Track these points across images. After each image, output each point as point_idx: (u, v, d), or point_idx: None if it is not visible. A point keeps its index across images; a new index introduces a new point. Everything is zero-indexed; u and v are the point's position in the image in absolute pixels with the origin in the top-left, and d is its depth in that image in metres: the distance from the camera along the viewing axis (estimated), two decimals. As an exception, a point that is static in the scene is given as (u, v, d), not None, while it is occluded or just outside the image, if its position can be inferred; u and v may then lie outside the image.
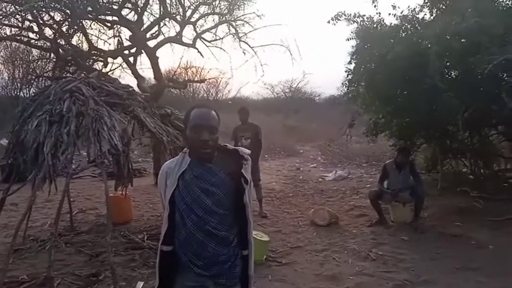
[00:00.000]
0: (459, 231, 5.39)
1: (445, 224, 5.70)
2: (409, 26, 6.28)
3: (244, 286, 1.89)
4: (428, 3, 6.28)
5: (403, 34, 6.22)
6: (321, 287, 3.90)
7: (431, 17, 6.36)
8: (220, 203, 1.77)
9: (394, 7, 6.31)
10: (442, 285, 3.85)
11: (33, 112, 4.01)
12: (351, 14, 6.57)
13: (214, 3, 9.25)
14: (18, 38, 8.47)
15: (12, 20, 7.85)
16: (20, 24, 7.99)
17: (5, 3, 7.48)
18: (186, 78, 13.90)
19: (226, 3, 9.28)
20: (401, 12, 6.36)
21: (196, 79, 14.76)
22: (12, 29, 8.11)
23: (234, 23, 9.54)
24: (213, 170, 1.80)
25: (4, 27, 7.96)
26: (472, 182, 7.39)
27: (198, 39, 9.18)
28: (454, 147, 7.75)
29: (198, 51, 9.16)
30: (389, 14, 6.42)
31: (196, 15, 9.15)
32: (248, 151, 1.90)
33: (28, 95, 16.47)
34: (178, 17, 8.85)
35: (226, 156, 1.86)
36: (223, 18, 9.44)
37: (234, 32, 9.60)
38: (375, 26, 6.51)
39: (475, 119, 6.15)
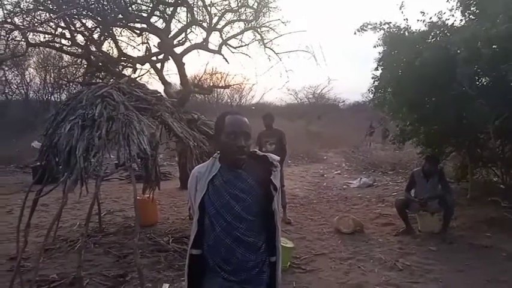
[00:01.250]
0: (489, 242, 5.23)
1: (475, 235, 5.55)
2: (437, 32, 6.18)
3: None
4: (461, 7, 6.16)
5: (432, 40, 6.13)
6: (346, 296, 3.86)
7: (461, 23, 6.25)
8: (249, 209, 1.78)
9: (423, 13, 6.23)
10: (471, 297, 3.75)
11: (66, 116, 4.14)
12: (376, 23, 6.54)
13: (240, 10, 9.35)
14: (51, 44, 8.77)
15: (46, 27, 8.15)
16: (53, 31, 8.27)
17: (40, 11, 7.77)
18: (211, 84, 14.03)
19: (251, 10, 9.36)
20: (430, 18, 6.26)
21: (221, 85, 14.88)
22: (46, 35, 8.41)
23: (259, 30, 9.61)
24: (243, 176, 1.81)
25: (38, 33, 8.27)
26: (503, 191, 7.15)
27: (224, 45, 9.29)
28: (485, 156, 7.53)
29: (224, 58, 9.26)
30: (418, 20, 6.34)
31: (222, 22, 9.28)
32: (278, 157, 1.91)
33: (59, 100, 17.06)
34: (204, 24, 8.99)
35: (256, 162, 1.88)
36: (249, 25, 9.52)
37: (259, 38, 9.68)
38: (402, 32, 6.44)
39: (506, 127, 5.98)
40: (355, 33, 6.66)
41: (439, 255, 4.93)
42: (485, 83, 6.05)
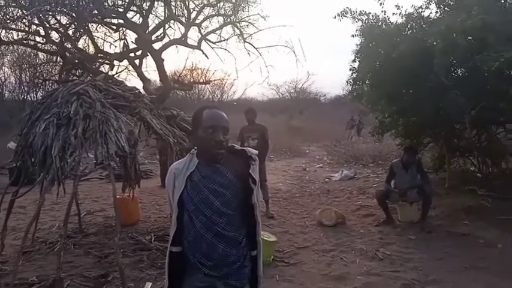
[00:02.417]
0: (467, 230, 5.35)
1: (453, 223, 5.67)
2: (414, 24, 6.24)
3: (254, 286, 1.90)
4: (435, 0, 6.24)
5: (408, 32, 6.19)
6: (329, 287, 3.89)
7: (437, 15, 6.32)
8: (229, 204, 1.78)
9: (398, 7, 6.28)
10: (450, 284, 3.82)
11: (41, 115, 4.05)
12: (356, 12, 6.55)
13: (218, 4, 9.26)
14: (25, 41, 8.55)
15: (19, 24, 7.93)
16: (26, 28, 8.05)
17: (12, 8, 7.54)
18: (192, 80, 13.92)
19: (230, 4, 9.29)
20: (406, 11, 6.33)
21: (201, 81, 14.77)
22: (19, 33, 8.18)
23: (238, 24, 9.55)
24: (221, 170, 1.80)
25: (11, 31, 8.04)
26: (479, 180, 7.33)
27: (203, 40, 9.20)
28: (462, 146, 7.70)
29: (203, 53, 9.19)
30: (393, 13, 6.40)
31: (201, 17, 9.18)
32: (256, 151, 1.90)
33: (35, 99, 16.65)
34: (183, 19, 8.87)
35: (234, 156, 1.87)
36: (228, 20, 9.45)
37: (239, 33, 9.62)
38: (380, 24, 6.48)
39: (482, 117, 6.10)
40: (334, 18, 6.63)
41: (419, 244, 5.03)
42: (460, 74, 6.16)
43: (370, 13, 6.54)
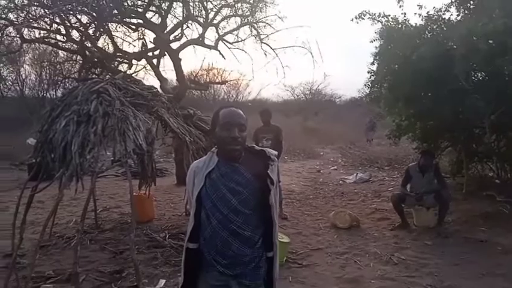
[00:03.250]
0: (485, 236, 5.26)
1: (470, 229, 5.58)
2: (434, 27, 6.17)
3: None
4: (456, 2, 6.15)
5: (428, 35, 6.12)
6: (342, 290, 3.87)
7: (458, 18, 6.24)
8: (246, 203, 1.79)
9: (420, 6, 6.20)
10: (466, 291, 3.77)
11: (61, 112, 4.11)
12: (375, 14, 6.50)
13: (236, 5, 9.29)
14: (46, 40, 8.71)
15: (41, 22, 8.10)
16: (48, 27, 8.21)
17: (35, 7, 7.71)
18: (208, 80, 13.99)
19: (248, 5, 9.31)
20: (427, 13, 6.25)
21: (217, 81, 14.85)
22: (41, 31, 8.35)
23: (255, 25, 9.54)
24: (240, 169, 1.82)
25: (33, 29, 8.22)
26: (498, 186, 7.20)
27: (220, 41, 9.24)
28: (480, 151, 7.56)
29: (220, 53, 9.21)
30: (415, 13, 6.32)
31: (218, 18, 9.20)
32: (275, 152, 1.92)
33: (54, 96, 16.97)
34: (201, 19, 8.92)
35: (253, 156, 1.88)
36: (245, 20, 9.46)
37: (256, 33, 9.62)
38: (399, 26, 6.42)
39: (502, 122, 6.00)
40: (352, 20, 6.60)
41: (435, 249, 4.96)
42: (481, 78, 6.07)
43: (389, 15, 6.49)
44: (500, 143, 7.37)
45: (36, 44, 10.16)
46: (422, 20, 6.31)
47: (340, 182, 10.27)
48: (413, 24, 6.38)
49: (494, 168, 7.74)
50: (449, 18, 6.24)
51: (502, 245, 4.91)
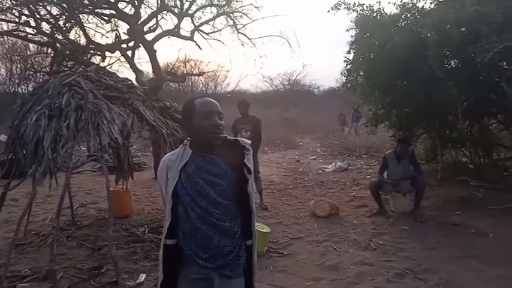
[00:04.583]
0: (459, 220, 5.41)
1: (445, 214, 5.73)
2: (408, 15, 6.24)
3: (249, 276, 1.90)
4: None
5: (403, 23, 6.19)
6: (322, 277, 3.91)
7: (431, 6, 6.32)
8: (225, 194, 1.77)
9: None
10: (442, 273, 3.86)
11: (32, 106, 4.00)
12: (350, 3, 6.53)
13: (211, -5, 9.19)
14: (16, 33, 8.42)
15: (9, 15, 7.81)
16: (17, 19, 7.94)
17: (1, -2, 7.44)
18: (185, 72, 13.84)
19: (223, -5, 9.22)
20: (401, 1, 6.31)
21: (194, 72, 14.69)
22: (9, 24, 8.06)
23: (232, 15, 9.48)
24: (216, 161, 1.79)
25: (1, 22, 7.93)
26: (471, 171, 7.39)
27: (196, 31, 9.12)
28: (454, 137, 7.74)
29: (196, 44, 9.11)
30: (389, 2, 6.37)
31: (194, 7, 9.07)
32: (249, 141, 1.89)
33: (26, 91, 16.47)
34: (175, 10, 8.79)
35: (228, 147, 1.85)
36: (221, 10, 9.37)
37: (232, 23, 9.55)
38: (374, 15, 6.47)
39: (474, 108, 6.13)
40: (328, 11, 6.62)
41: (411, 234, 5.07)
42: (454, 65, 6.17)
43: (364, 4, 6.53)
44: (473, 128, 7.56)
45: (5, 37, 9.82)
46: (396, 8, 6.38)
47: (320, 171, 10.36)
48: (388, 13, 6.44)
49: (468, 154, 7.95)
50: (423, 6, 6.33)
51: (476, 228, 5.06)
